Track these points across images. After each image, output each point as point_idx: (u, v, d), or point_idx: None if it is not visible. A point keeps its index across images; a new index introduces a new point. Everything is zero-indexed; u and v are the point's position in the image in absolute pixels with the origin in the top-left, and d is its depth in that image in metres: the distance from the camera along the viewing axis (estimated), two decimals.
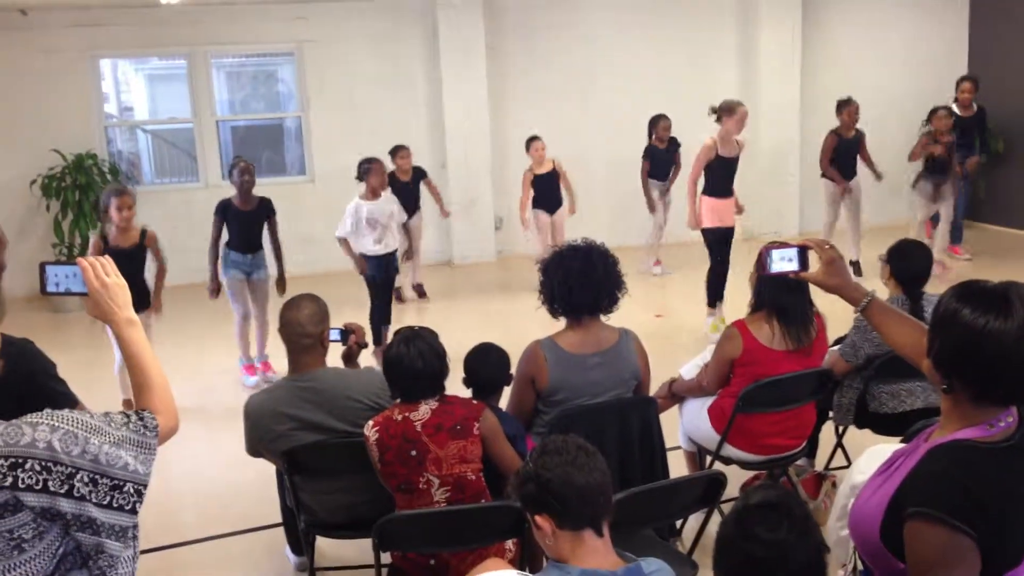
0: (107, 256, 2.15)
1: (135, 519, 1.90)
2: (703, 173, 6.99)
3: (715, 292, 7.13)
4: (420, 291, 8.75)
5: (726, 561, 1.93)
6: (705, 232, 7.05)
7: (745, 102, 10.71)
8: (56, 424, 1.81)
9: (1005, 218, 11.11)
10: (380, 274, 6.76)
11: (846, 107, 8.47)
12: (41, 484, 1.77)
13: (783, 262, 2.43)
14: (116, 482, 1.84)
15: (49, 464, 1.77)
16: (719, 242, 7.01)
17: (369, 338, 5.70)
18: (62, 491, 1.78)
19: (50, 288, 2.11)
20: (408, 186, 8.47)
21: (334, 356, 3.65)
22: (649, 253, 9.25)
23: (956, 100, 9.31)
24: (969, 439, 1.86)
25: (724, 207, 6.97)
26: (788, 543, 1.85)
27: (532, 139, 8.48)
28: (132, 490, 1.87)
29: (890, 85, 11.34)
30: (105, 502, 1.83)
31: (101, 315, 2.09)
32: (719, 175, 6.93)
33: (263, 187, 10.29)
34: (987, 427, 1.86)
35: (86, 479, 1.80)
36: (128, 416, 1.95)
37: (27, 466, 1.76)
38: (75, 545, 1.86)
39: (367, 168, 6.71)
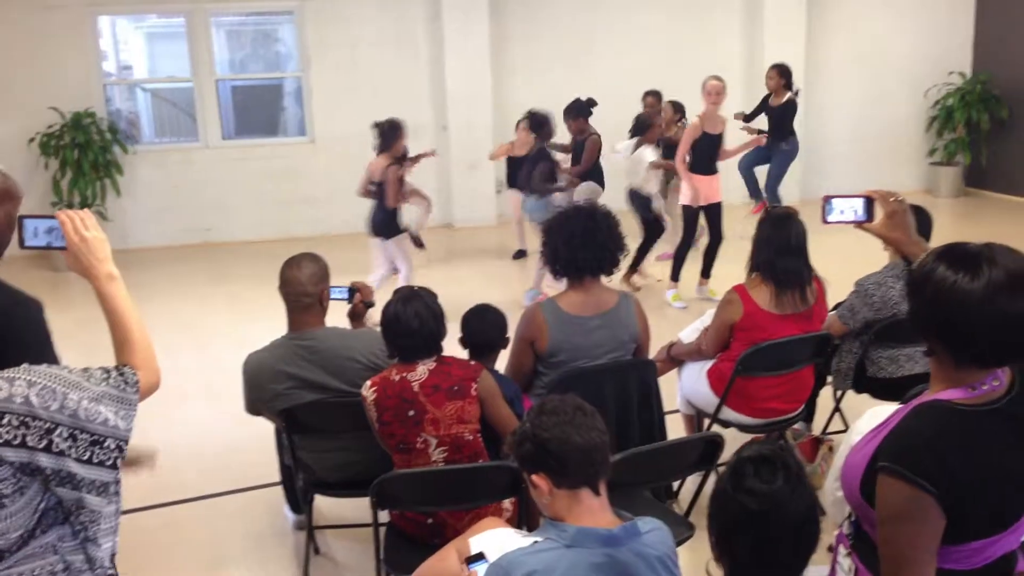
0: (86, 210, 2.13)
1: (116, 474, 1.89)
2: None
3: (677, 266, 7.23)
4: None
5: (721, 514, 1.94)
6: (683, 207, 7.15)
7: (749, 68, 10.73)
8: (33, 379, 1.80)
9: (1008, 186, 11.06)
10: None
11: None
12: (19, 439, 1.76)
13: (846, 212, 2.42)
14: (96, 437, 1.84)
15: (27, 419, 1.76)
16: (688, 218, 7.10)
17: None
18: (40, 446, 1.77)
19: (28, 242, 2.09)
20: None
21: (340, 315, 3.67)
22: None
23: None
24: (947, 400, 1.86)
25: (702, 184, 6.97)
26: (782, 495, 1.87)
27: (521, 120, 8.28)
28: (113, 445, 1.86)
29: (896, 51, 11.23)
30: (85, 457, 1.82)
31: (81, 269, 2.06)
32: (702, 153, 6.97)
33: (263, 147, 10.36)
34: (969, 389, 1.85)
35: (65, 434, 1.80)
36: (108, 372, 1.94)
37: (4, 421, 1.75)
38: (57, 500, 1.86)
39: (651, 125, 7.47)
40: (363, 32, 10.04)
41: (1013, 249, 1.84)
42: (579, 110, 7.60)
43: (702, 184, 6.95)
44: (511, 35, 10.33)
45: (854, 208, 2.41)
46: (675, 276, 7.23)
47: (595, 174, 7.64)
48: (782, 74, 8.68)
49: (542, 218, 6.96)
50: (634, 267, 7.52)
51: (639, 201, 7.53)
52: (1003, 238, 1.94)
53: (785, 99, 8.71)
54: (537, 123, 7.45)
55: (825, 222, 2.45)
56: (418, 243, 7.27)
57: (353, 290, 3.75)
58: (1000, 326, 1.76)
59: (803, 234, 3.92)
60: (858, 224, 2.42)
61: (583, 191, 7.47)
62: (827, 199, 2.44)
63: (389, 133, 6.75)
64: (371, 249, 6.92)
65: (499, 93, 10.18)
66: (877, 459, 1.87)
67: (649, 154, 7.42)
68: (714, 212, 7.06)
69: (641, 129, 7.52)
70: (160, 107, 12.26)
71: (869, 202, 2.40)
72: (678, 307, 7.05)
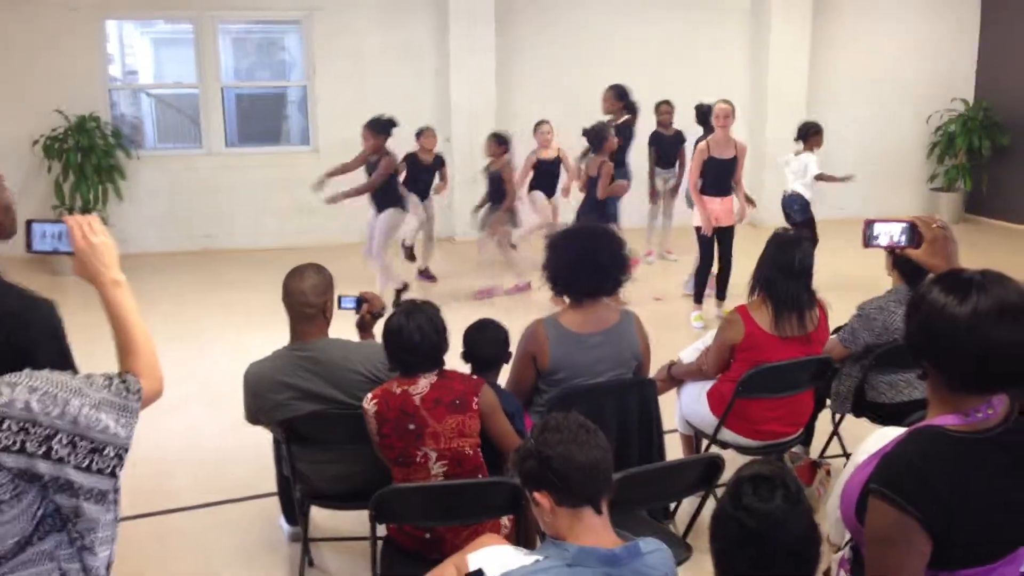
0: (94, 214, 2.11)
1: (115, 482, 1.88)
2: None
3: (699, 288, 7.24)
4: (427, 275, 8.70)
5: (720, 533, 1.95)
6: (695, 229, 7.19)
7: (754, 89, 10.76)
8: (35, 385, 1.78)
9: (1008, 213, 11.06)
10: None
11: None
12: (18, 445, 1.74)
13: (887, 237, 2.41)
14: (96, 445, 1.82)
15: (27, 425, 1.75)
16: (703, 240, 7.11)
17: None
18: (40, 452, 1.76)
19: (36, 246, 2.07)
20: (430, 168, 8.44)
21: (349, 325, 3.69)
22: (649, 242, 9.24)
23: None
24: (940, 425, 1.87)
25: (712, 206, 7.00)
26: (780, 514, 1.88)
27: (540, 123, 8.39)
28: (112, 453, 1.85)
29: (900, 76, 11.27)
30: (84, 465, 1.81)
31: (87, 275, 2.05)
32: (711, 176, 7.01)
33: (265, 155, 10.36)
34: (962, 416, 1.86)
35: (64, 441, 1.78)
36: (110, 379, 1.93)
37: (3, 426, 1.74)
38: (54, 507, 1.85)
39: (816, 129, 7.73)
40: (369, 42, 10.06)
41: (1009, 278, 1.85)
42: (381, 127, 7.54)
43: (712, 205, 6.97)
44: (516, 47, 10.34)
45: (896, 233, 2.40)
46: (698, 299, 7.24)
47: (392, 196, 7.62)
48: (619, 96, 8.07)
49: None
50: None
51: (794, 204, 7.67)
52: (1001, 266, 1.94)
53: (621, 122, 7.98)
54: (702, 113, 7.80)
55: (867, 246, 2.44)
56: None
57: (361, 300, 3.75)
58: (984, 352, 1.78)
59: (808, 258, 3.90)
60: (900, 249, 2.41)
61: (385, 218, 7.57)
62: (869, 223, 2.43)
63: (597, 137, 7.23)
64: None
65: (503, 105, 10.19)
66: (869, 482, 1.88)
67: (812, 161, 7.63)
68: (724, 235, 7.07)
69: (805, 135, 7.75)
70: (164, 113, 12.26)
71: (911, 227, 2.39)
72: (697, 327, 7.00)
